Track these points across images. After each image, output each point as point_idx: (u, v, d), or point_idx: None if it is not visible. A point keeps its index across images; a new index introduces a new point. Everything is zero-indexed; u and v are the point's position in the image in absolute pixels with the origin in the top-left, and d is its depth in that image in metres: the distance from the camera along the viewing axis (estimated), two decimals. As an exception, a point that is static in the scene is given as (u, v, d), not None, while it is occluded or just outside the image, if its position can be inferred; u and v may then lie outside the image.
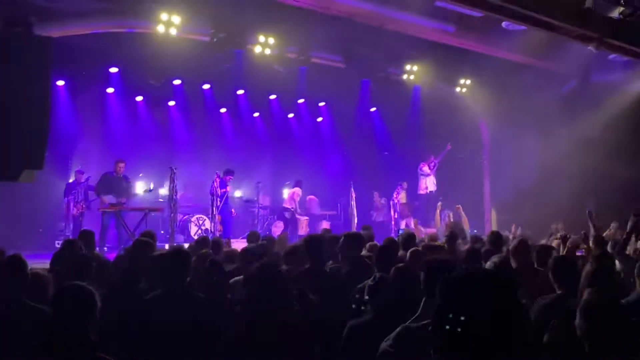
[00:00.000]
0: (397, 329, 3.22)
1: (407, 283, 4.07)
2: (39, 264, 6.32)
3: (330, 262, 6.03)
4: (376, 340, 3.57)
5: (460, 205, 12.02)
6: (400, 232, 11.31)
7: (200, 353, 4.08)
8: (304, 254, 5.59)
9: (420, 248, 6.31)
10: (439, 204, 13.44)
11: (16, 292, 3.94)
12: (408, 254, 5.90)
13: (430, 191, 15.45)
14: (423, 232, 12.11)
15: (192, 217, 13.98)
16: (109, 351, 3.21)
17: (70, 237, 11.87)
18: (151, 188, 13.47)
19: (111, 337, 4.01)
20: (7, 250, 5.74)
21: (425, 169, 15.59)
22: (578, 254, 6.90)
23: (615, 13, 10.79)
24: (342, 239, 5.88)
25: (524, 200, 13.43)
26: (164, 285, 4.36)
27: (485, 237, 8.10)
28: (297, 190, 15.61)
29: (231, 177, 13.34)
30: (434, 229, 12.77)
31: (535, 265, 5.52)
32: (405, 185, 15.52)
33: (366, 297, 3.96)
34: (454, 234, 7.81)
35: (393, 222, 14.74)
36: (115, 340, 3.98)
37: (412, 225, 13.71)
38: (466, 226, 10.29)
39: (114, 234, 11.88)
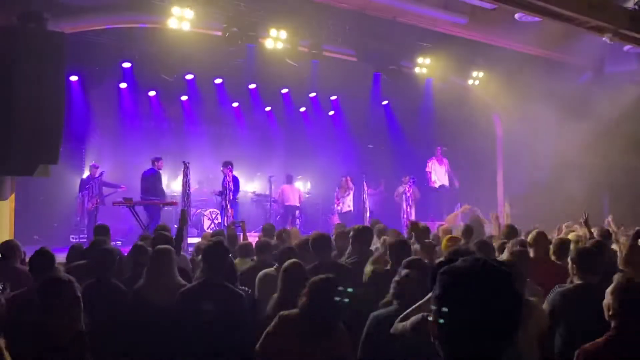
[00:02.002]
0: (416, 317, 3.24)
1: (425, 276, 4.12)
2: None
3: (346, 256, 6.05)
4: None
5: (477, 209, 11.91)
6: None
7: (232, 344, 4.14)
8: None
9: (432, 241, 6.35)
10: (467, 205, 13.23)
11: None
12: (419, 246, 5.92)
13: (441, 185, 15.37)
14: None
15: (205, 211, 14.03)
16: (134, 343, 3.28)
17: (85, 231, 12.03)
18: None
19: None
20: (23, 245, 5.81)
21: (431, 164, 15.48)
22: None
23: (630, 3, 10.67)
24: (350, 234, 5.89)
25: (537, 193, 13.35)
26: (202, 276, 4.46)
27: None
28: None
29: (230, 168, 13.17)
30: (445, 223, 12.68)
31: (553, 258, 5.52)
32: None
33: (392, 291, 4.00)
34: (469, 227, 7.78)
35: (405, 216, 14.73)
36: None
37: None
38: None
39: (128, 228, 11.97)
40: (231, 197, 13.09)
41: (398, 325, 3.48)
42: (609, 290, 3.33)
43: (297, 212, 15.36)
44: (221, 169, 12.89)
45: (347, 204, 15.13)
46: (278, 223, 14.54)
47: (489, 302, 1.56)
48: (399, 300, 3.96)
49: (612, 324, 3.27)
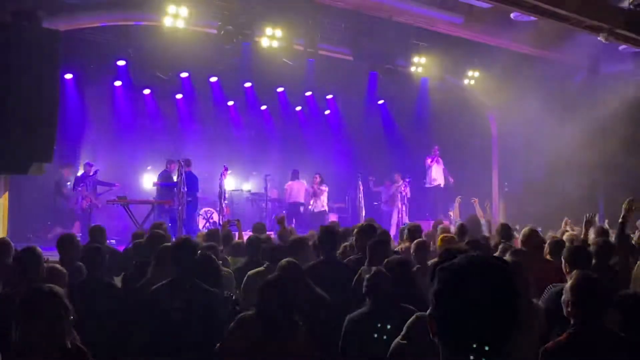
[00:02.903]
0: (410, 320, 3.20)
1: (403, 274, 4.14)
2: (50, 256, 6.34)
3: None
4: (374, 331, 3.59)
5: (476, 199, 11.88)
6: (404, 224, 11.26)
7: (201, 342, 4.12)
8: (309, 246, 5.61)
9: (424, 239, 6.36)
10: (458, 198, 13.15)
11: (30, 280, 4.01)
12: (413, 245, 5.91)
13: (438, 184, 15.36)
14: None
15: (200, 210, 13.98)
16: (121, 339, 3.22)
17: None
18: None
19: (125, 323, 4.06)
20: (17, 242, 5.77)
21: (430, 162, 15.46)
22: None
23: (626, 3, 10.68)
24: (354, 232, 5.88)
25: (532, 192, 13.38)
26: (171, 275, 4.41)
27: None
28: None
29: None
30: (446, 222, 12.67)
31: (548, 256, 5.52)
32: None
33: (364, 290, 3.98)
34: (464, 226, 7.80)
35: (400, 215, 14.73)
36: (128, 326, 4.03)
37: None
38: (482, 220, 10.21)
39: (123, 226, 11.92)
40: (226, 196, 13.06)
41: (395, 341, 3.44)
42: (567, 286, 3.34)
43: (302, 208, 15.19)
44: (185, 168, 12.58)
45: (321, 203, 14.64)
46: (273, 222, 14.52)
47: (487, 298, 1.56)
48: (371, 298, 3.94)
49: (572, 321, 3.27)
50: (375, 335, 3.74)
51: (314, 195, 14.75)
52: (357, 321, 3.88)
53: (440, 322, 1.61)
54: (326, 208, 14.71)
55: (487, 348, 1.55)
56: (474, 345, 1.54)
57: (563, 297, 3.33)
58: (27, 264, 4.18)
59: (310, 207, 14.81)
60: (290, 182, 15.21)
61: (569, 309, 3.28)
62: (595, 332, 3.20)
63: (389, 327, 3.73)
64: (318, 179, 14.70)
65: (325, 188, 14.68)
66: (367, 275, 3.98)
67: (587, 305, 3.22)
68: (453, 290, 1.59)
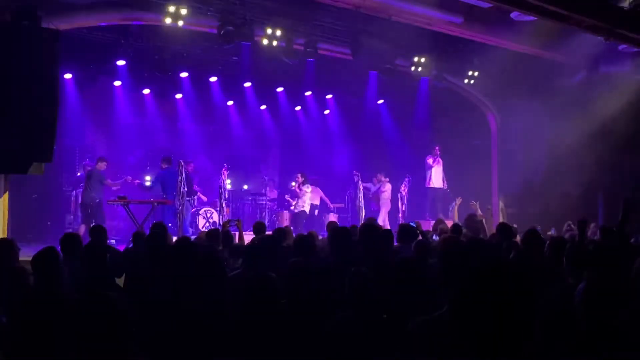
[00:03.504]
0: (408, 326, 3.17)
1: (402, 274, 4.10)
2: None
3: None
4: (353, 335, 3.55)
5: (474, 203, 11.85)
6: (411, 224, 11.23)
7: (200, 345, 4.11)
8: (312, 245, 5.60)
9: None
10: (458, 200, 13.07)
11: (51, 282, 4.02)
12: (413, 245, 5.91)
13: (437, 184, 15.34)
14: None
15: (200, 209, 13.99)
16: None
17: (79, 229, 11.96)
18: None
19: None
20: (17, 242, 5.75)
21: (431, 162, 15.44)
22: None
23: (626, 3, 10.68)
24: (360, 232, 5.88)
25: (532, 192, 13.39)
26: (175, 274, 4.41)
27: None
28: None
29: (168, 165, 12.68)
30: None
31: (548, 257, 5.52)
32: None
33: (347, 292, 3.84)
34: (457, 225, 7.85)
35: (400, 214, 14.73)
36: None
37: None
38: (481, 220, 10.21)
39: (123, 226, 11.91)
40: (227, 196, 13.05)
41: None
42: (580, 287, 3.38)
43: (316, 211, 15.10)
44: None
45: (301, 204, 14.31)
46: (272, 222, 14.52)
47: (506, 299, 1.58)
48: (355, 302, 3.75)
49: (586, 321, 3.31)
50: (355, 340, 3.60)
51: (295, 196, 14.59)
52: (337, 325, 3.73)
53: (459, 324, 1.62)
54: (306, 209, 14.33)
55: (504, 349, 1.56)
56: (492, 347, 1.55)
57: (576, 298, 3.37)
58: (46, 264, 4.19)
59: (292, 207, 14.65)
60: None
61: (582, 309, 3.32)
62: (608, 332, 3.24)
63: (369, 330, 3.61)
64: (300, 179, 14.41)
65: (307, 189, 14.32)
66: (346, 278, 3.81)
67: (598, 306, 3.28)
68: (473, 292, 1.60)
